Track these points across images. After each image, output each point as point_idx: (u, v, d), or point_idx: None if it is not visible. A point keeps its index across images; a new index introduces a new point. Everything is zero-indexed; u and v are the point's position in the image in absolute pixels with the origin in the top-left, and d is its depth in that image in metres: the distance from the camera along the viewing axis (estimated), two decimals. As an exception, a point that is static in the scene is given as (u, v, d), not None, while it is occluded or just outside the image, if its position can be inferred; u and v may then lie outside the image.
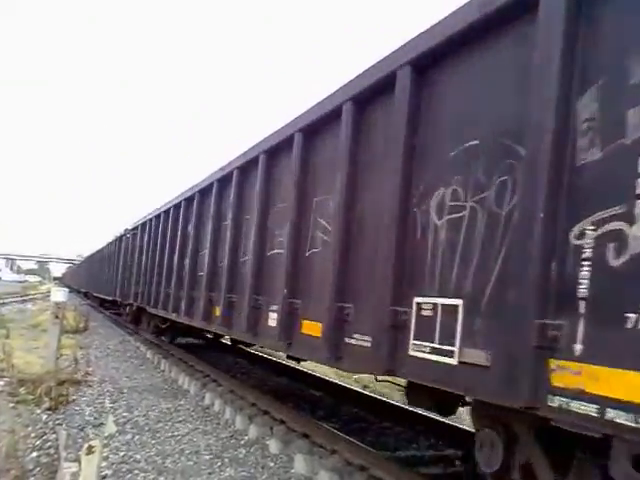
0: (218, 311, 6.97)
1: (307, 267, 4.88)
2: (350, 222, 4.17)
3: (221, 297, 6.83)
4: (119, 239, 18.86)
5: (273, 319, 5.32)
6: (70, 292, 14.23)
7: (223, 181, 7.61)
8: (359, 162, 4.19)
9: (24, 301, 32.68)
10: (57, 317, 9.11)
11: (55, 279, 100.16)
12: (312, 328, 4.55)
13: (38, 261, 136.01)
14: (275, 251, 5.59)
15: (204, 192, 8.55)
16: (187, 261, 9.00)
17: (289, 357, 7.09)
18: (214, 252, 7.60)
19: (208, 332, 12.24)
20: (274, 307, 5.33)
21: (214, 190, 7.80)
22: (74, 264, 79.98)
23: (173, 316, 9.73)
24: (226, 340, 13.44)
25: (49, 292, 13.67)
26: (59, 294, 9.44)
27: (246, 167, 6.70)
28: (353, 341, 3.93)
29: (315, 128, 4.96)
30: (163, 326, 12.83)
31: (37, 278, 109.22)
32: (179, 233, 9.83)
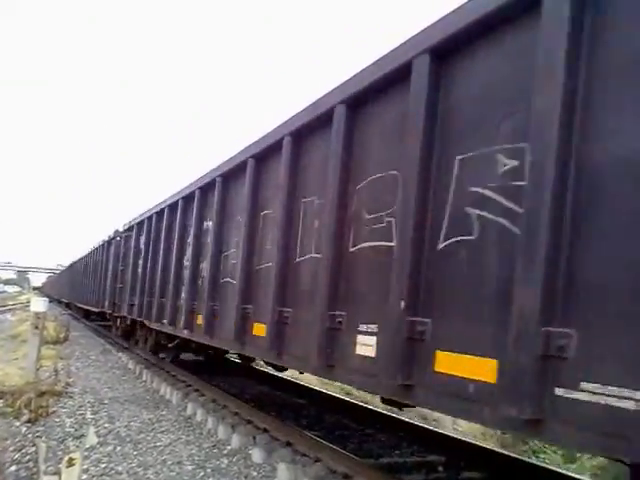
0: (262, 330, 5.21)
1: (444, 267, 3.12)
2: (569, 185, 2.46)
3: (268, 311, 5.09)
4: (108, 243, 16.71)
5: (367, 345, 3.68)
6: (50, 302, 14.06)
7: (265, 155, 5.82)
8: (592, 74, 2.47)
9: (3, 311, 32.22)
10: (37, 327, 9.02)
11: (35, 289, 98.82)
12: (467, 366, 2.85)
13: (17, 271, 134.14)
14: (368, 244, 3.83)
15: (230, 176, 6.85)
16: (204, 265, 7.37)
17: (386, 402, 4.74)
18: (249, 252, 5.85)
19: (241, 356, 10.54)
20: (368, 327, 3.68)
21: (248, 171, 6.02)
22: (54, 274, 78.94)
23: (184, 333, 8.01)
24: (234, 358, 12.14)
25: (29, 302, 13.49)
26: (39, 304, 9.34)
27: (309, 128, 4.86)
28: (580, 396, 2.29)
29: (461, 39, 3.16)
30: (170, 344, 10.64)
31: (16, 288, 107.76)
32: (192, 231, 8.02)
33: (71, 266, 34.57)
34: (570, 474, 5.55)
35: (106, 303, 15.57)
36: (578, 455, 9.59)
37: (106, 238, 17.26)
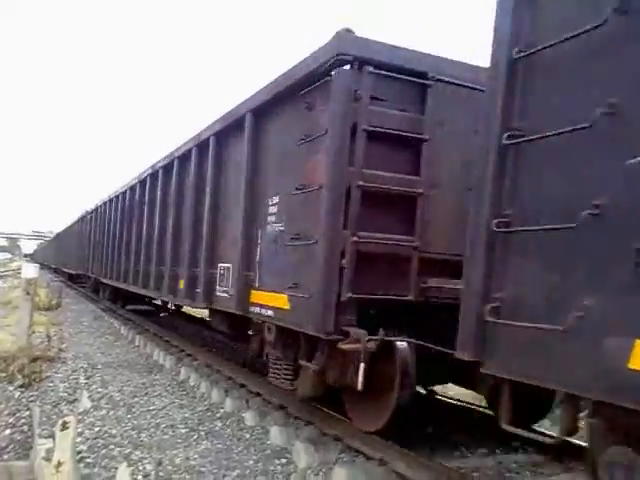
0: None
1: None
2: None
3: None
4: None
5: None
6: (41, 269, 13.95)
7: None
8: None
9: (-6, 278, 32.14)
10: (28, 293, 8.99)
11: (26, 256, 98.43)
12: None
13: (8, 238, 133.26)
14: None
15: None
16: None
17: None
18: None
19: None
20: None
21: None
22: (45, 240, 78.36)
23: None
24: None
25: (20, 269, 13.43)
26: (30, 270, 9.30)
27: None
28: None
29: None
30: None
31: (7, 255, 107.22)
32: None
33: (86, 217, 20.36)
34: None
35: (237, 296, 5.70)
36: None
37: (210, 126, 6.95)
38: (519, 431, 3.23)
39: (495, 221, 2.95)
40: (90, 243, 18.38)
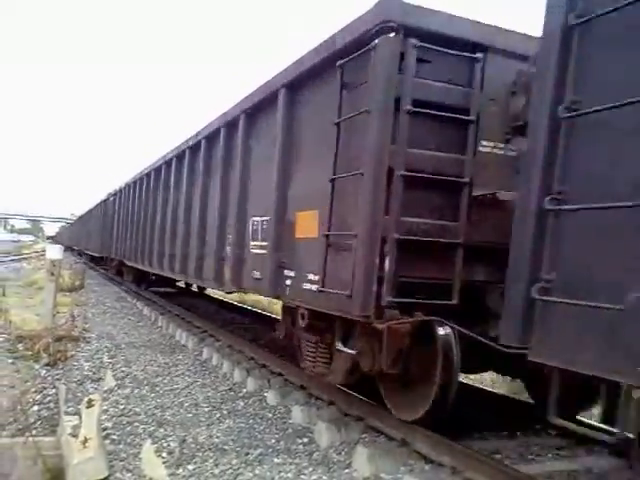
0: None
1: None
2: None
3: None
4: None
5: None
6: (64, 251, 14.08)
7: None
8: None
9: (19, 260, 32.67)
10: (53, 274, 9.10)
11: (49, 238, 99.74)
12: None
13: (31, 220, 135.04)
14: None
15: None
16: None
17: None
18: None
19: None
20: None
21: None
22: (68, 223, 79.36)
23: None
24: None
25: (43, 251, 13.59)
26: (55, 251, 9.40)
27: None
28: None
29: None
30: None
31: (31, 237, 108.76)
32: None
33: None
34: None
35: None
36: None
37: None
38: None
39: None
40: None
